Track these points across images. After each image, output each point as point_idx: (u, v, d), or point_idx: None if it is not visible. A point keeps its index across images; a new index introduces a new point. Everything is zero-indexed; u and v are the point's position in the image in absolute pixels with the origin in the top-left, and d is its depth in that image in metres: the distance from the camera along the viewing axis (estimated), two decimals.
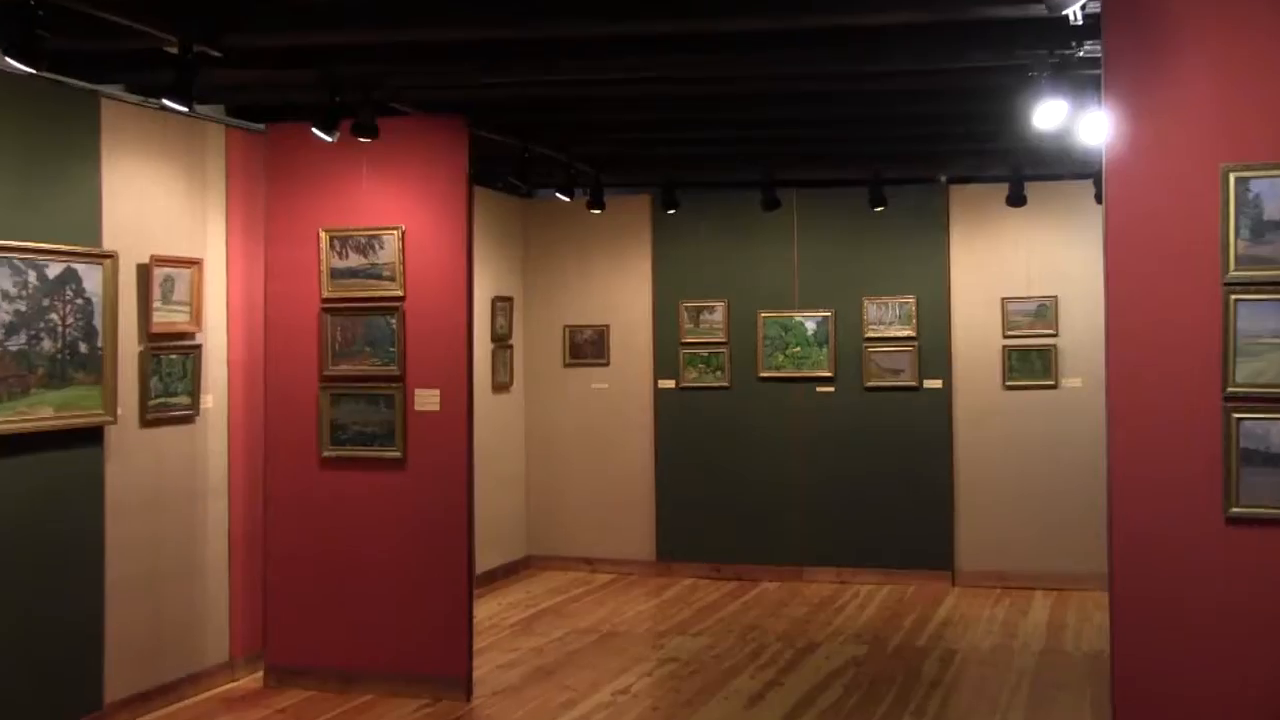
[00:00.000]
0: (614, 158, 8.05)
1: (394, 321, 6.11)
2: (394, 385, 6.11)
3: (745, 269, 8.92)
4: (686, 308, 8.98)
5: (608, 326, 9.16)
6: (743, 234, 8.89)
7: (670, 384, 9.01)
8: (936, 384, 8.55)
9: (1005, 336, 8.46)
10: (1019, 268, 8.47)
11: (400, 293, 6.12)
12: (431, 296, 6.08)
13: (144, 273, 5.70)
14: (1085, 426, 7.99)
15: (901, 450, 8.60)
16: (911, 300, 8.58)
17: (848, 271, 8.76)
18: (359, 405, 6.13)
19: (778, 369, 8.82)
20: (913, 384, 8.57)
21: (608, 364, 9.14)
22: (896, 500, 8.60)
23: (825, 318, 8.73)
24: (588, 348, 9.19)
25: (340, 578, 6.17)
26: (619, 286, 9.16)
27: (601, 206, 8.20)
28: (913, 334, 8.57)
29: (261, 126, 6.37)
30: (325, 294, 6.21)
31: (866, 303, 8.65)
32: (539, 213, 9.28)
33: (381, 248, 6.12)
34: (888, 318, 8.62)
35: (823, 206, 8.80)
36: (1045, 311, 8.39)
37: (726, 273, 8.95)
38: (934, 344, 8.57)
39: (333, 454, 6.18)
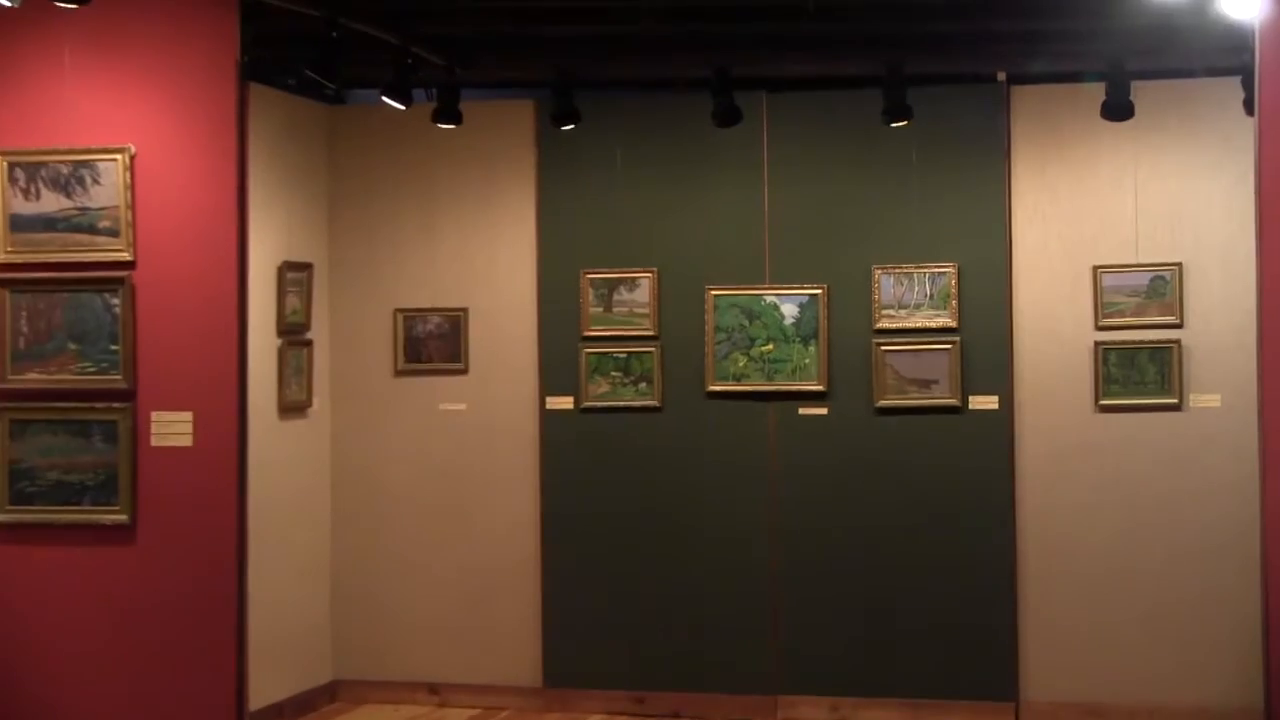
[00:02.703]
0: (477, 41, 7.97)
1: (117, 302, 6.01)
2: (116, 406, 6.01)
3: (686, 219, 8.92)
4: (592, 281, 8.96)
5: (465, 312, 9.12)
6: (682, 164, 8.89)
7: (565, 403, 9.01)
8: (989, 402, 8.59)
9: (1099, 328, 8.51)
10: (1121, 219, 8.52)
11: (127, 255, 6.03)
12: (179, 262, 5.99)
13: None
14: (1227, 471, 8.06)
15: (934, 510, 8.62)
16: (950, 270, 8.61)
17: (848, 225, 8.77)
18: (57, 438, 6.04)
19: (738, 379, 8.82)
20: (952, 402, 8.60)
21: (465, 371, 9.12)
22: (926, 590, 8.62)
23: (813, 297, 8.75)
24: (434, 346, 9.14)
25: (24, 717, 6.03)
26: (484, 247, 9.13)
27: (456, 119, 8.17)
28: (952, 323, 8.61)
29: None
30: (1, 258, 6.08)
31: (878, 274, 8.66)
32: (356, 129, 9.22)
33: (95, 183, 6.04)
34: (912, 298, 8.65)
35: (810, 121, 8.82)
36: (1163, 288, 8.45)
37: (656, 226, 8.95)
38: (985, 339, 8.60)
39: (11, 517, 6.06)
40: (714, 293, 8.81)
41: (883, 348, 8.66)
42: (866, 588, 8.68)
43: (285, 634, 8.62)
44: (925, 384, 8.63)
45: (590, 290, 8.95)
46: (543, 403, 9.01)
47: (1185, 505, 8.38)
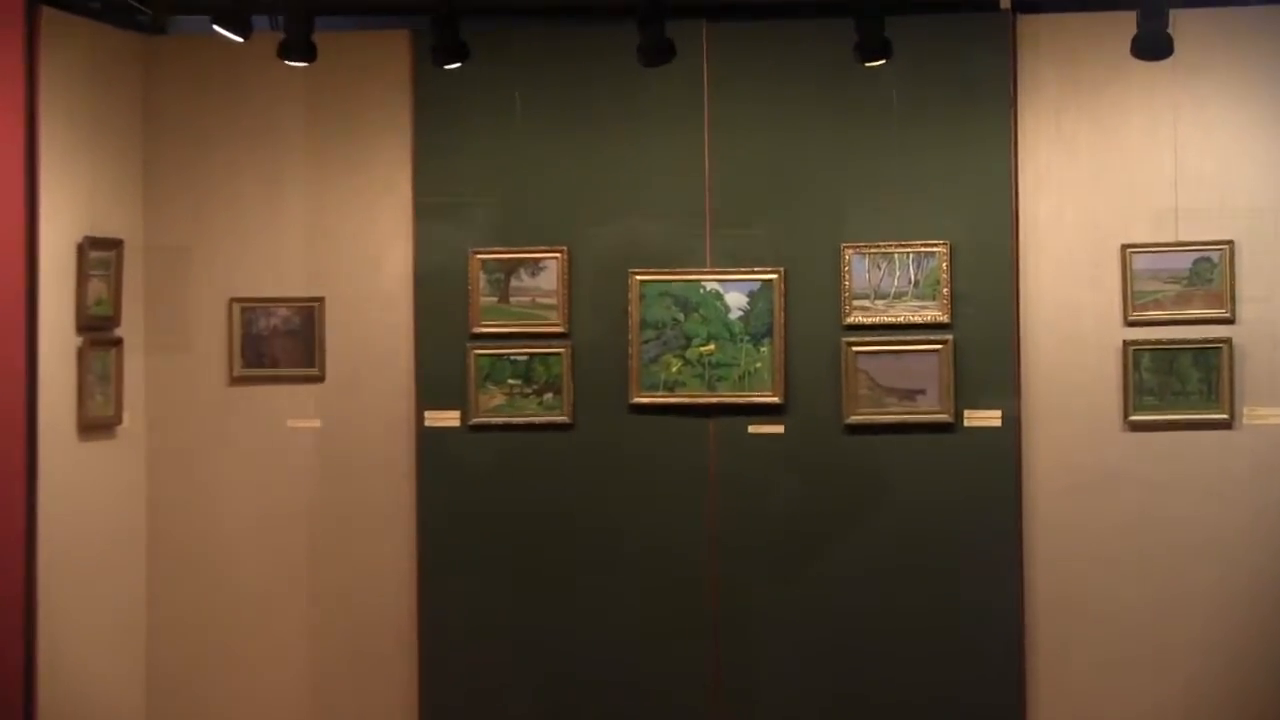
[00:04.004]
0: None
1: None
2: None
3: (605, 185, 8.96)
4: (484, 263, 8.98)
5: (321, 302, 9.13)
6: (600, 114, 8.95)
7: (450, 418, 9.00)
8: (990, 418, 8.64)
9: (1130, 323, 8.61)
10: (1156, 185, 8.62)
11: None
12: None
13: None
14: None
15: (919, 555, 8.68)
16: (940, 250, 8.66)
17: (811, 192, 8.82)
18: None
19: (670, 388, 8.84)
20: (943, 418, 8.66)
21: (321, 378, 9.14)
22: (909, 657, 8.69)
23: (766, 285, 8.77)
24: (280, 346, 9.12)
25: None
26: (345, 220, 9.15)
27: (310, 54, 8.22)
28: (942, 318, 8.67)
29: None
30: None
31: (849, 255, 8.73)
32: (180, 67, 9.20)
33: None
34: (892, 286, 8.69)
35: (763, 59, 8.87)
36: (1209, 272, 8.52)
37: (566, 193, 8.98)
38: (985, 338, 8.68)
39: None
40: (640, 278, 8.87)
41: (855, 349, 8.73)
42: (832, 653, 8.74)
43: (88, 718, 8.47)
44: (908, 394, 8.71)
45: (481, 275, 8.98)
46: (420, 418, 9.01)
47: (1237, 548, 8.50)
